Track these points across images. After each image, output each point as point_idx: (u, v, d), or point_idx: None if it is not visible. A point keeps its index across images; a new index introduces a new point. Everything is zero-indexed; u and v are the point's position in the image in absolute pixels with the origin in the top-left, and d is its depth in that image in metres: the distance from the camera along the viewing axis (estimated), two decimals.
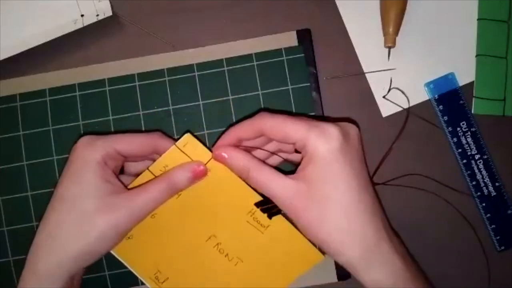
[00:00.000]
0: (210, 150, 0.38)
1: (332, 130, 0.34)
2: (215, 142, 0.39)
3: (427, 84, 0.46)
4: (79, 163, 0.36)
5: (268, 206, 0.39)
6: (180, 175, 0.37)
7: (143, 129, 0.45)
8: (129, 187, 0.38)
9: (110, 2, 0.45)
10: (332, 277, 0.44)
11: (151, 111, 0.45)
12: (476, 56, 0.46)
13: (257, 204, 0.39)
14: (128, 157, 0.38)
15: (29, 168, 0.44)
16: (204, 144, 0.38)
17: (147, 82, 0.45)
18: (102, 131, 0.44)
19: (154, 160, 0.38)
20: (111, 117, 0.45)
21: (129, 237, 0.38)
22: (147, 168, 0.38)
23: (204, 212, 0.39)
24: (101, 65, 0.45)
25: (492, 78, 0.45)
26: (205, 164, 0.38)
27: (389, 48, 0.45)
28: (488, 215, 0.45)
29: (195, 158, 0.38)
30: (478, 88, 0.45)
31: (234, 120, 0.45)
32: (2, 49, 0.43)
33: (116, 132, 0.45)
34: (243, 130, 0.37)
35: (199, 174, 0.37)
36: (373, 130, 0.45)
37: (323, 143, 0.33)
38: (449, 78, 0.46)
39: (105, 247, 0.35)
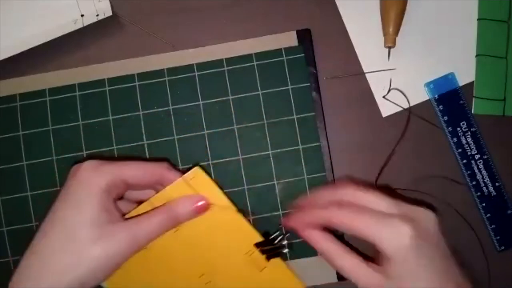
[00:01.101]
0: (218, 186, 0.37)
1: (403, 229, 0.33)
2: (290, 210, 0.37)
3: (427, 84, 0.46)
4: (81, 187, 0.34)
5: (269, 248, 0.38)
6: (183, 207, 0.36)
7: (143, 130, 0.45)
8: (127, 216, 0.36)
9: (110, 2, 0.45)
10: (332, 277, 0.44)
11: (151, 111, 0.45)
12: (476, 56, 0.46)
13: (257, 245, 0.38)
14: (132, 186, 0.37)
15: (29, 168, 0.44)
16: (212, 177, 0.38)
17: (147, 82, 0.45)
18: (102, 130, 0.45)
19: (156, 191, 0.37)
20: (111, 117, 0.45)
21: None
22: (149, 199, 0.37)
23: (200, 249, 0.38)
24: (101, 65, 0.45)
25: (492, 78, 0.45)
26: (210, 200, 0.37)
27: (389, 48, 0.45)
28: (488, 215, 0.45)
29: (200, 192, 0.37)
30: (478, 88, 0.45)
31: (234, 120, 0.45)
32: (2, 49, 0.43)
33: (115, 131, 0.45)
34: (320, 198, 0.37)
35: (202, 208, 0.37)
36: (373, 130, 0.45)
37: (393, 242, 0.32)
38: (449, 78, 0.46)
39: (99, 278, 0.34)
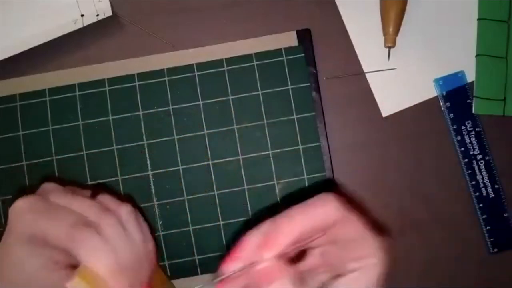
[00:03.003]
0: None
1: None
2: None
3: (437, 80, 0.45)
4: (8, 230, 0.33)
5: None
6: None
7: (143, 130, 0.45)
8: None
9: (110, 2, 0.45)
10: None
11: (151, 111, 0.45)
12: (476, 56, 0.46)
13: None
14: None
15: (28, 168, 0.44)
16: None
17: (147, 82, 0.45)
18: (102, 130, 0.45)
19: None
20: (110, 117, 0.45)
21: None
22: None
23: None
24: (101, 65, 0.46)
25: (492, 78, 0.45)
26: None
27: (389, 48, 0.45)
28: (484, 216, 0.45)
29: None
30: (478, 88, 0.45)
31: (234, 120, 0.45)
32: (2, 49, 0.43)
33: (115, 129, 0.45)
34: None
35: None
36: (373, 130, 0.45)
37: None
38: (458, 76, 0.46)
39: None
